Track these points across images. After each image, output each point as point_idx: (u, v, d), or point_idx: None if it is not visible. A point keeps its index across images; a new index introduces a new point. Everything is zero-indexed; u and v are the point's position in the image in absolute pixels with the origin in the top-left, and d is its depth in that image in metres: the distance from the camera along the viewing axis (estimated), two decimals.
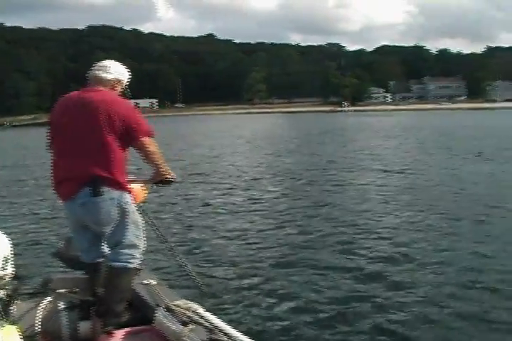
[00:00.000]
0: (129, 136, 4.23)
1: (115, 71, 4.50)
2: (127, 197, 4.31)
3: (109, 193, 4.18)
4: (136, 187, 4.68)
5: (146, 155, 4.34)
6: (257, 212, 12.71)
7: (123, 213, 4.27)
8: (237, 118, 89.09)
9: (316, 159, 24.30)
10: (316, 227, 10.96)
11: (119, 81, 4.52)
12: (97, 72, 4.45)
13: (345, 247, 9.34)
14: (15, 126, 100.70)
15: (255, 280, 7.90)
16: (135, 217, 4.41)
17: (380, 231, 10.33)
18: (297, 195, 15.06)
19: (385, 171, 18.76)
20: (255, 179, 18.77)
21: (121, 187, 4.24)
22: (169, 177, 4.54)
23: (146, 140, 4.29)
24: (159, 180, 4.59)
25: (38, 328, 4.26)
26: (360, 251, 9.07)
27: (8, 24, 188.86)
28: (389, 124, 56.84)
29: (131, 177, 4.60)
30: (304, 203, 13.79)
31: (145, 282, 4.66)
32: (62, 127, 4.31)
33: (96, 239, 4.43)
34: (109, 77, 4.45)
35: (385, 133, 40.59)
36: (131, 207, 4.36)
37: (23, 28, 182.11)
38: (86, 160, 4.15)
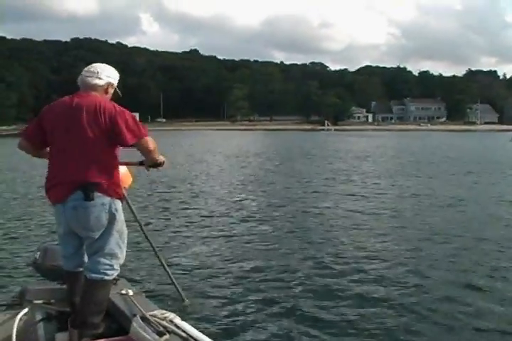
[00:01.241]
0: (120, 142, 4.27)
1: (106, 75, 4.52)
2: (118, 204, 4.34)
3: (101, 198, 4.19)
4: (124, 171, 4.77)
5: (143, 154, 4.42)
6: (233, 229, 12.61)
7: (111, 220, 4.28)
8: (219, 135, 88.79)
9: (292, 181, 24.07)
10: (289, 239, 11.27)
11: (110, 84, 4.55)
12: (88, 79, 4.45)
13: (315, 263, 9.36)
14: None
15: (235, 289, 7.93)
16: (122, 226, 4.41)
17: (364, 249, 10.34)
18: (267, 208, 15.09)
19: (362, 196, 18.24)
20: (229, 199, 18.41)
21: (113, 192, 4.27)
22: (160, 161, 4.59)
23: (139, 142, 4.28)
24: (151, 165, 4.64)
25: (14, 340, 4.25)
26: (332, 270, 8.99)
27: None
28: (370, 145, 56.88)
29: (123, 160, 4.66)
30: (274, 219, 13.76)
31: (123, 292, 4.64)
32: (55, 132, 4.31)
33: (81, 246, 4.42)
34: (101, 82, 4.48)
35: (364, 154, 40.67)
36: (121, 216, 4.38)
37: (6, 39, 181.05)
38: (80, 164, 4.18)
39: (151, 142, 4.35)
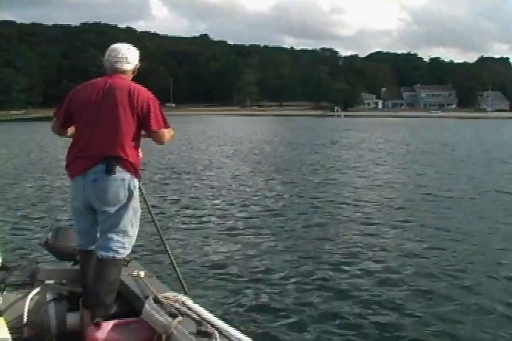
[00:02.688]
0: (145, 127, 4.37)
1: (133, 59, 4.60)
2: (136, 182, 4.38)
3: (122, 173, 4.24)
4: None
5: (159, 143, 4.56)
6: (246, 214, 12.79)
7: (129, 196, 4.31)
8: (229, 120, 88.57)
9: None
10: (306, 230, 11.20)
11: (137, 66, 4.65)
12: (117, 64, 4.51)
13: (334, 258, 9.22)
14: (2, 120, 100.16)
15: (248, 275, 8.04)
16: (136, 204, 4.43)
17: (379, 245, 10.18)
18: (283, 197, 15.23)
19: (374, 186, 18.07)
20: (241, 185, 18.44)
21: (133, 169, 4.33)
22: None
23: (160, 132, 4.43)
24: None
25: (25, 319, 4.26)
26: (348, 266, 8.82)
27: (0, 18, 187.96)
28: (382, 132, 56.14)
29: None
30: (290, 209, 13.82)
31: (134, 274, 4.62)
32: (85, 109, 4.37)
33: (96, 223, 4.42)
34: (130, 67, 4.57)
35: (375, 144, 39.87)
36: (137, 193, 4.41)
37: (16, 23, 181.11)
38: (106, 139, 4.25)
39: (168, 134, 4.52)
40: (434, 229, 11.19)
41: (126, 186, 4.27)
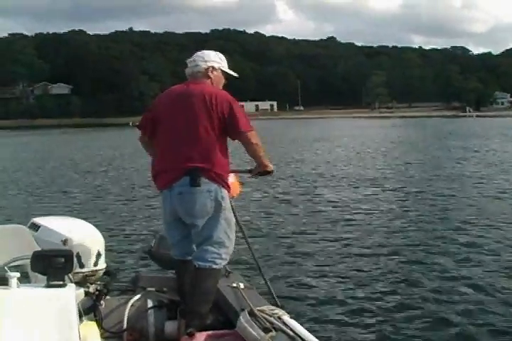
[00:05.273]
0: (231, 129, 4.29)
1: (203, 61, 4.52)
2: (224, 192, 4.29)
3: (207, 185, 4.18)
4: (233, 180, 4.68)
5: (248, 148, 4.36)
6: (358, 223, 12.06)
7: (217, 207, 4.23)
8: (357, 123, 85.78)
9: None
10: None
11: (211, 68, 4.52)
12: (188, 69, 4.56)
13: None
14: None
15: (349, 292, 7.64)
16: (228, 214, 4.36)
17: None
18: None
19: None
20: (363, 185, 18.13)
21: (220, 180, 4.25)
22: (269, 169, 4.57)
23: (248, 133, 4.31)
24: (260, 172, 4.63)
25: (125, 325, 4.35)
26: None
27: (136, 29, 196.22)
28: None
29: (232, 167, 4.61)
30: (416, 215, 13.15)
31: (234, 285, 4.60)
32: (166, 119, 4.38)
33: (187, 233, 4.39)
34: (200, 69, 4.49)
35: None
36: (227, 203, 4.33)
37: (150, 32, 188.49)
38: (188, 151, 4.20)
39: (256, 137, 4.37)
40: None
41: (213, 197, 4.20)
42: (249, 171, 4.78)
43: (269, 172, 4.65)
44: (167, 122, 4.38)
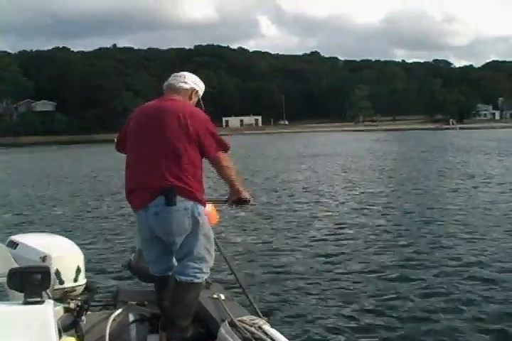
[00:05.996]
0: (204, 149, 4.25)
1: (191, 81, 4.53)
2: (201, 208, 4.25)
3: (183, 203, 4.13)
4: (210, 209, 4.69)
5: (220, 171, 4.37)
6: (341, 237, 11.97)
7: (195, 224, 4.21)
8: (342, 136, 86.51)
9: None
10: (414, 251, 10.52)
11: (195, 91, 4.54)
12: (173, 82, 4.52)
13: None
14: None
15: (331, 303, 7.69)
16: (207, 229, 4.35)
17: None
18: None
19: None
20: (348, 201, 18.16)
21: (195, 197, 4.20)
22: (244, 197, 4.57)
23: (220, 155, 4.30)
24: (235, 200, 4.62)
25: (107, 340, 4.26)
26: None
27: (120, 45, 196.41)
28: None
29: (206, 197, 4.53)
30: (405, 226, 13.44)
31: (214, 296, 4.59)
32: (139, 136, 4.33)
33: (165, 250, 4.37)
34: (186, 86, 4.49)
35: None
36: (204, 219, 4.31)
37: (133, 49, 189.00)
38: (161, 169, 4.13)
39: (227, 160, 4.36)
40: None
41: (190, 214, 4.15)
42: (225, 201, 4.76)
43: (245, 202, 4.63)
44: (137, 138, 4.36)
